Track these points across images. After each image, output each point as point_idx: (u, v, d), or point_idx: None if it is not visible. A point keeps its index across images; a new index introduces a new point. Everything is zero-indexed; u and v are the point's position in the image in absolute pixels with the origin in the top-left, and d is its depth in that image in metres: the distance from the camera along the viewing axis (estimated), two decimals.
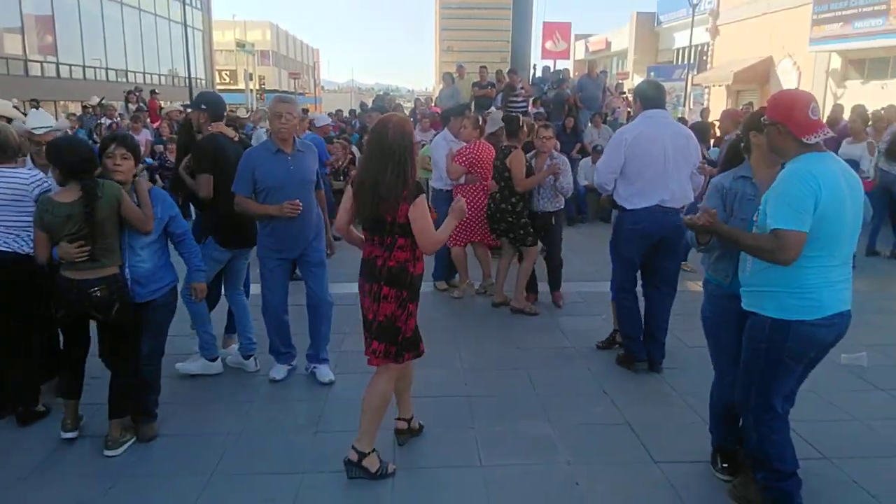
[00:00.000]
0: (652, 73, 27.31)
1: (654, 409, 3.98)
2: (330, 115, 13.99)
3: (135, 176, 3.52)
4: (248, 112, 17.97)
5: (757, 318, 2.73)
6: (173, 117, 12.87)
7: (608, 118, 13.15)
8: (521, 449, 3.49)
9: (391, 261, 3.05)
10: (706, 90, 26.21)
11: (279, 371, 4.38)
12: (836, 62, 19.55)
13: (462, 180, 5.99)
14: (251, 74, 42.97)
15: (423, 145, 8.24)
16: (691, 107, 24.55)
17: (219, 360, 4.48)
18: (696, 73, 26.59)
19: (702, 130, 7.61)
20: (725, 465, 3.21)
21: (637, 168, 4.27)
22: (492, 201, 5.87)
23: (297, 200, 3.96)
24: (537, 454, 3.44)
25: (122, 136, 3.58)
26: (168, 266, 3.62)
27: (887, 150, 7.78)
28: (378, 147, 3.00)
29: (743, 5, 23.86)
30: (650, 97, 4.37)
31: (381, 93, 29.71)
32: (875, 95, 15.49)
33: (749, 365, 2.79)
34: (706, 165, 4.32)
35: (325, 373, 4.35)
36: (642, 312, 4.61)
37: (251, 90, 41.06)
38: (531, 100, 13.50)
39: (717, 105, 24.40)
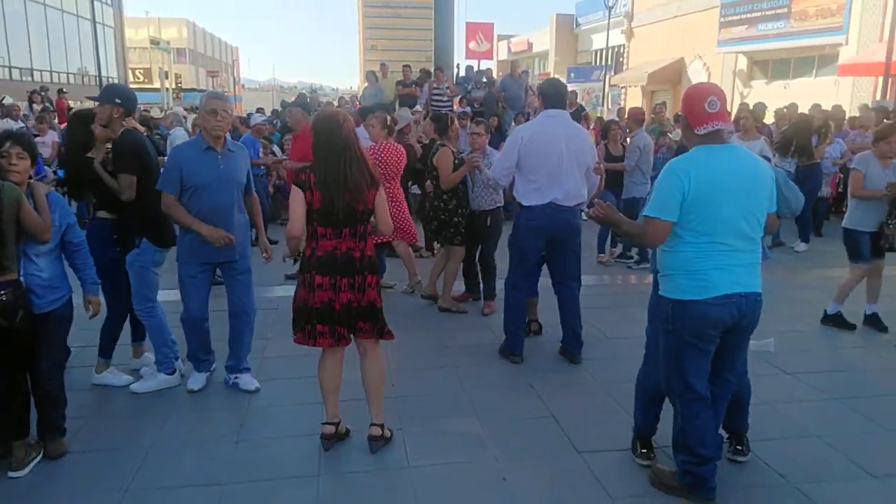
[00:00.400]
0: (572, 74, 28.03)
1: (578, 401, 4.06)
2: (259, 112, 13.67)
3: (30, 179, 3.31)
4: (162, 112, 17.28)
5: (663, 300, 2.90)
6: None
7: (531, 117, 13.36)
8: (449, 447, 3.48)
9: (368, 250, 3.23)
10: (623, 90, 27.09)
11: (198, 380, 4.20)
12: (743, 63, 20.58)
13: None
14: (167, 73, 41.37)
15: None
16: (609, 107, 25.40)
17: (177, 371, 4.27)
18: (613, 73, 27.47)
19: (603, 129, 7.89)
20: (644, 450, 3.32)
21: (533, 165, 4.37)
22: (426, 200, 5.88)
23: (233, 236, 3.88)
24: (465, 452, 3.44)
25: (17, 133, 3.37)
26: (64, 275, 3.42)
27: (779, 146, 8.16)
28: (334, 142, 3.12)
29: (655, 8, 24.78)
30: (550, 96, 4.45)
31: (306, 91, 29.21)
32: (778, 95, 16.38)
33: (663, 346, 2.95)
34: (601, 165, 4.46)
35: (248, 381, 4.21)
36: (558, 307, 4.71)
37: (167, 89, 39.56)
38: (456, 98, 13.59)
39: (634, 105, 25.30)
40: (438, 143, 5.83)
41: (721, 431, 3.27)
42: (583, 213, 3.16)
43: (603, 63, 27.37)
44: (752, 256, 2.83)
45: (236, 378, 4.22)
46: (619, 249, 7.92)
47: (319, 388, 3.44)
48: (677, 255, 2.82)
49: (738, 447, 3.37)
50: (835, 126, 10.35)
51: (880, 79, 12.80)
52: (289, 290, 6.52)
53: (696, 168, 2.73)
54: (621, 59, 28.29)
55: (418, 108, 12.16)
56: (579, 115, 13.38)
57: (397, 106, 13.34)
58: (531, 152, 4.35)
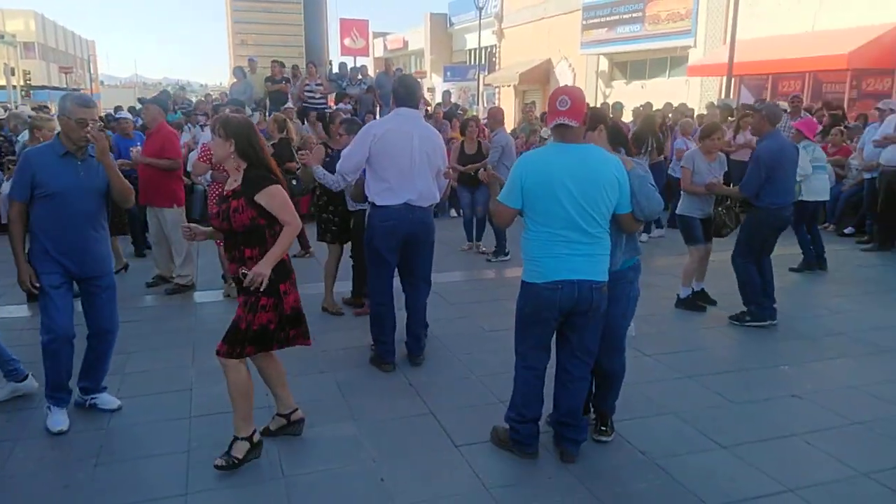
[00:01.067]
0: (448, 73, 28.52)
1: (457, 395, 4.13)
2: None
3: None
4: (5, 111, 15.69)
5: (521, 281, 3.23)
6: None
7: None
8: (326, 453, 3.43)
9: None
10: (497, 90, 27.86)
11: (60, 419, 3.67)
12: (604, 64, 21.78)
13: (208, 178, 5.69)
14: (13, 69, 37.63)
15: None
16: (485, 105, 26.04)
17: (29, 375, 3.99)
18: (487, 73, 28.17)
19: (461, 127, 8.10)
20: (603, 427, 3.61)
21: (386, 164, 4.24)
22: (313, 198, 5.87)
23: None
24: (342, 456, 3.40)
25: None
26: None
27: (634, 144, 8.69)
28: (252, 148, 3.11)
29: (523, 10, 25.64)
30: (401, 95, 4.36)
31: (172, 87, 27.65)
32: (637, 94, 17.45)
33: (516, 318, 3.29)
34: (451, 170, 4.48)
35: (108, 400, 3.91)
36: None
37: (14, 86, 35.99)
38: (331, 96, 13.37)
39: (507, 104, 26.09)
40: (321, 141, 5.83)
41: (591, 415, 3.55)
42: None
43: (477, 62, 27.98)
44: (591, 248, 3.09)
45: (94, 399, 3.90)
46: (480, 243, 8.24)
47: (239, 400, 3.24)
48: (527, 243, 3.16)
49: (603, 427, 3.57)
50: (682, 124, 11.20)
51: (724, 79, 13.97)
52: (153, 302, 6.28)
53: (536, 163, 3.07)
54: (494, 59, 29.05)
55: (289, 105, 11.86)
56: (454, 113, 13.61)
57: (268, 103, 12.95)
58: (383, 150, 4.22)
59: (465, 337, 5.12)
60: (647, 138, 8.24)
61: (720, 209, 5.66)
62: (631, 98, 14.93)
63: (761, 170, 5.19)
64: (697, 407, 4.00)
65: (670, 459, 3.39)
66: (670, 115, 11.34)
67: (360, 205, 5.64)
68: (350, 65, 15.79)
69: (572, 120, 3.00)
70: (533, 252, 3.12)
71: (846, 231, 9.03)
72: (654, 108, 12.05)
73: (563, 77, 23.64)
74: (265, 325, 3.14)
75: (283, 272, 3.18)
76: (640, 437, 3.59)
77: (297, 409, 3.57)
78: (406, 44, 38.22)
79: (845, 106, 13.13)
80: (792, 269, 7.16)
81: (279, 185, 3.12)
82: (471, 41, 29.24)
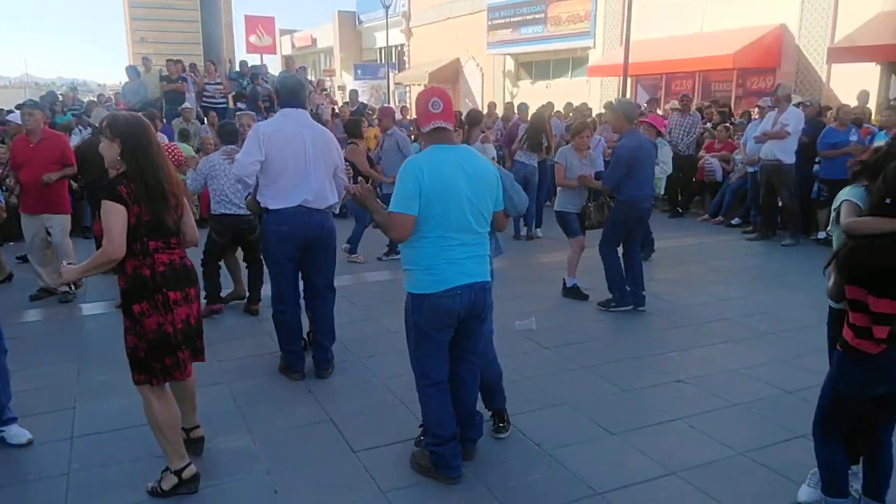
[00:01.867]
0: (359, 71, 28.27)
1: (358, 400, 4.09)
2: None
3: None
4: None
5: (407, 295, 3.08)
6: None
7: (312, 114, 13.18)
8: (216, 469, 3.31)
9: (187, 258, 3.06)
10: (408, 89, 27.87)
11: (21, 433, 3.54)
12: (510, 64, 22.21)
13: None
14: None
15: None
16: (396, 104, 26.00)
17: None
18: (397, 71, 28.14)
19: (352, 127, 8.11)
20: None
21: (278, 166, 4.07)
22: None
23: None
24: (234, 471, 3.30)
25: None
26: None
27: (528, 144, 8.80)
28: (151, 149, 2.88)
29: (430, 9, 25.78)
30: (283, 96, 4.25)
31: (67, 87, 26.00)
32: (542, 94, 17.86)
33: (407, 338, 3.14)
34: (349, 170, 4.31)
35: (18, 433, 3.55)
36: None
37: None
38: (231, 95, 12.97)
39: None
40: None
41: (484, 411, 3.53)
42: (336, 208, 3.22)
43: (386, 61, 27.88)
44: (479, 249, 3.06)
45: (1, 432, 3.55)
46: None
47: (160, 432, 2.99)
48: (416, 251, 3.00)
49: (501, 424, 3.63)
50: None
51: (621, 79, 14.54)
52: (38, 316, 5.89)
53: (429, 166, 2.93)
54: (404, 58, 29.05)
55: (187, 105, 11.41)
56: (362, 111, 13.50)
57: (164, 103, 12.42)
58: (275, 150, 4.06)
59: (369, 339, 5.09)
60: (540, 136, 8.45)
61: (590, 204, 5.99)
62: (537, 98, 15.24)
63: (621, 165, 5.51)
64: (591, 396, 4.14)
65: (563, 449, 3.49)
66: (571, 114, 11.70)
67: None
68: (248, 63, 15.33)
69: (448, 122, 3.01)
70: (426, 260, 2.97)
71: (733, 222, 9.58)
72: (554, 108, 12.40)
73: (472, 76, 23.94)
74: (132, 348, 2.92)
75: (138, 292, 2.85)
76: (535, 429, 3.68)
77: (197, 427, 3.42)
78: (314, 41, 37.58)
79: (732, 103, 13.96)
80: None
81: (114, 203, 2.74)
82: (381, 39, 29.09)
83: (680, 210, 10.54)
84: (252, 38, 26.64)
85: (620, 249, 5.85)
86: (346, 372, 4.54)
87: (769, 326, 5.40)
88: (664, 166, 7.18)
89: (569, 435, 3.65)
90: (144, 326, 2.86)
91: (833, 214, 2.73)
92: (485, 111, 14.39)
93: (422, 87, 26.49)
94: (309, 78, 16.40)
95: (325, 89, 18.66)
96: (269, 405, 4.03)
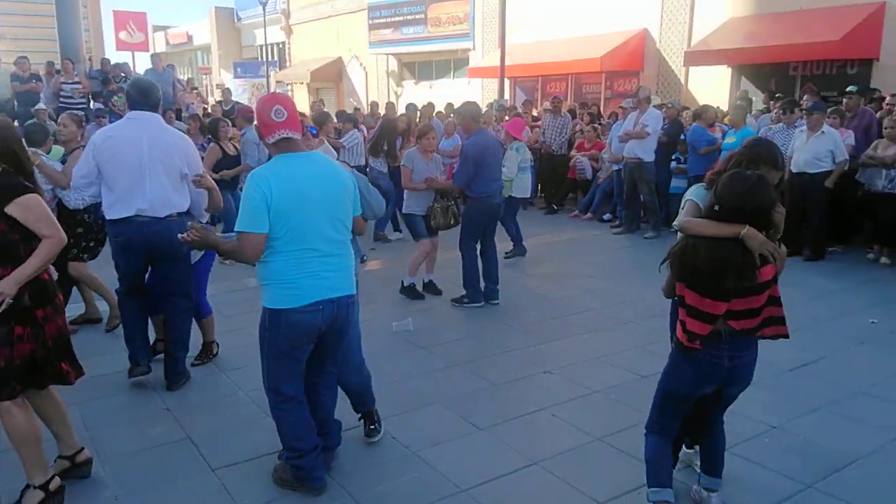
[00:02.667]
0: (238, 69, 27.25)
1: (219, 415, 3.92)
2: None
3: None
4: None
5: (263, 309, 2.93)
6: None
7: (183, 115, 12.61)
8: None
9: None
10: (290, 87, 27.19)
11: None
12: (394, 64, 22.19)
13: None
14: None
15: None
16: None
17: None
18: (278, 70, 27.39)
19: (210, 128, 7.86)
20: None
21: (113, 174, 3.91)
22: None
23: None
24: (78, 498, 3.06)
25: None
26: None
27: (370, 148, 8.73)
28: (13, 151, 2.79)
29: (309, 7, 25.28)
30: (133, 98, 4.06)
31: None
32: (426, 95, 17.97)
33: (261, 352, 2.99)
34: (201, 178, 3.96)
35: None
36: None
37: None
38: (90, 95, 12.13)
39: (302, 103, 25.59)
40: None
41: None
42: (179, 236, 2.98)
43: (267, 59, 27.07)
44: (341, 260, 2.95)
45: None
46: None
47: (22, 447, 2.86)
48: (270, 265, 2.84)
49: (372, 426, 3.58)
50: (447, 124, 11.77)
51: (499, 80, 14.90)
52: None
53: (276, 177, 2.76)
54: (285, 56, 28.33)
55: (41, 106, 10.55)
56: (234, 111, 13.00)
57: (15, 104, 11.43)
58: (108, 159, 3.87)
59: (236, 350, 4.89)
60: (382, 142, 8.46)
61: (436, 206, 6.07)
62: (422, 98, 15.33)
63: (470, 163, 5.68)
64: (462, 393, 4.19)
65: (432, 449, 3.51)
66: (452, 115, 11.80)
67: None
68: (111, 60, 14.41)
69: (294, 131, 2.85)
70: (284, 274, 2.82)
71: (604, 218, 10.07)
72: (436, 110, 12.51)
73: (355, 76, 23.73)
74: (28, 357, 2.75)
75: (43, 296, 2.79)
76: (405, 431, 3.67)
77: (82, 450, 3.20)
78: (190, 38, 35.91)
79: (601, 105, 14.66)
80: (507, 257, 7.62)
81: (36, 195, 2.74)
82: (261, 37, 28.19)
83: (555, 207, 10.95)
84: (122, 35, 25.09)
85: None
86: (209, 386, 4.35)
87: (631, 315, 5.70)
88: (510, 164, 7.39)
89: (438, 434, 3.67)
90: (46, 331, 2.80)
91: (681, 211, 2.85)
92: (367, 111, 14.33)
93: (304, 86, 26.04)
94: (179, 77, 15.60)
95: (196, 88, 17.82)
96: (121, 426, 3.78)
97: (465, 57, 19.19)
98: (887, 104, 8.29)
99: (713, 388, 2.74)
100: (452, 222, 6.08)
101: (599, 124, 11.16)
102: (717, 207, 2.53)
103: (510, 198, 7.48)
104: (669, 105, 10.16)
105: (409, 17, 20.16)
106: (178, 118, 11.45)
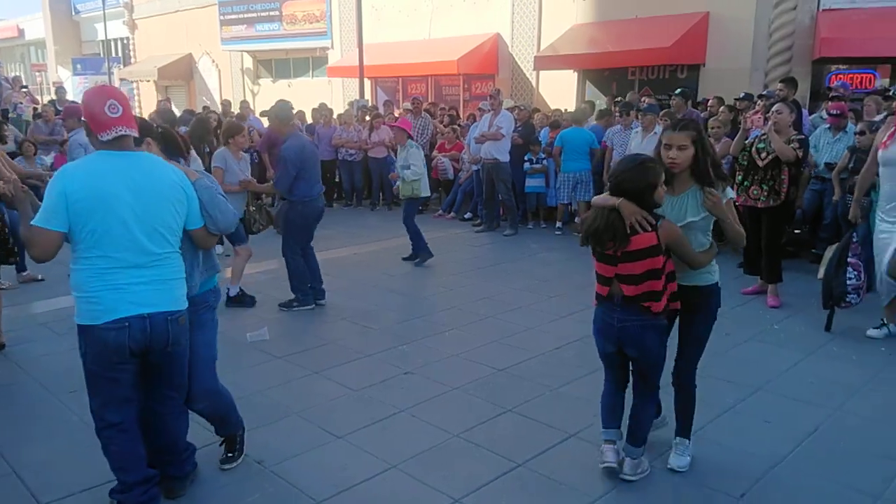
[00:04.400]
0: (79, 66, 25.17)
1: (50, 444, 3.58)
2: None
3: None
4: None
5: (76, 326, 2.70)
6: None
7: (10, 114, 11.46)
8: None
9: None
10: (136, 85, 25.44)
11: None
12: (249, 61, 21.37)
13: None
14: None
15: None
16: None
17: None
18: (122, 66, 25.56)
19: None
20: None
21: None
22: None
23: None
24: None
25: None
26: None
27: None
28: None
29: (156, 1, 23.80)
30: None
31: None
32: (284, 94, 17.47)
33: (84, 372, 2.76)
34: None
35: None
36: None
37: None
38: None
39: (149, 102, 24.03)
40: None
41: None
42: None
43: (107, 55, 25.13)
44: (159, 272, 2.71)
45: None
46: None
47: None
48: (75, 275, 2.65)
49: (229, 454, 3.34)
50: (325, 122, 11.60)
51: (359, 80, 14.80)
52: None
53: (84, 173, 2.59)
54: (129, 52, 26.45)
55: None
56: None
57: None
58: None
59: (72, 372, 4.48)
60: (199, 144, 8.16)
61: (251, 208, 6.00)
62: (279, 97, 14.86)
63: (290, 167, 5.59)
64: (320, 402, 4.11)
65: (287, 462, 3.41)
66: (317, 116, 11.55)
67: None
68: None
69: (130, 128, 2.65)
70: (87, 286, 2.59)
71: (466, 217, 10.30)
72: (295, 109, 12.17)
73: (207, 73, 22.64)
74: None
75: None
76: (259, 447, 3.53)
77: None
78: (22, 32, 32.76)
79: (460, 106, 15.00)
80: (405, 259, 7.64)
81: None
82: (102, 31, 26.13)
83: (420, 208, 11.04)
84: None
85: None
86: (40, 412, 3.96)
87: (489, 310, 5.87)
88: (415, 168, 7.30)
89: (294, 446, 3.57)
90: None
91: None
92: (219, 109, 13.67)
93: (151, 84, 24.44)
94: (5, 75, 14.12)
95: (25, 86, 16.19)
96: None
97: (324, 55, 18.87)
98: (710, 106, 9.15)
99: (615, 348, 3.12)
100: (268, 223, 6.04)
101: (459, 126, 11.40)
102: (609, 184, 3.07)
103: (412, 199, 7.46)
104: (522, 108, 10.59)
105: (262, 14, 19.50)
106: (5, 118, 10.37)
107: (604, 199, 3.01)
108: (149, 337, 2.67)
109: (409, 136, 7.51)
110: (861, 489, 3.13)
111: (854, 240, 5.18)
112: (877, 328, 5.09)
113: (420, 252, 7.50)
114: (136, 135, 2.73)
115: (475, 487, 3.19)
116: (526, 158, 9.39)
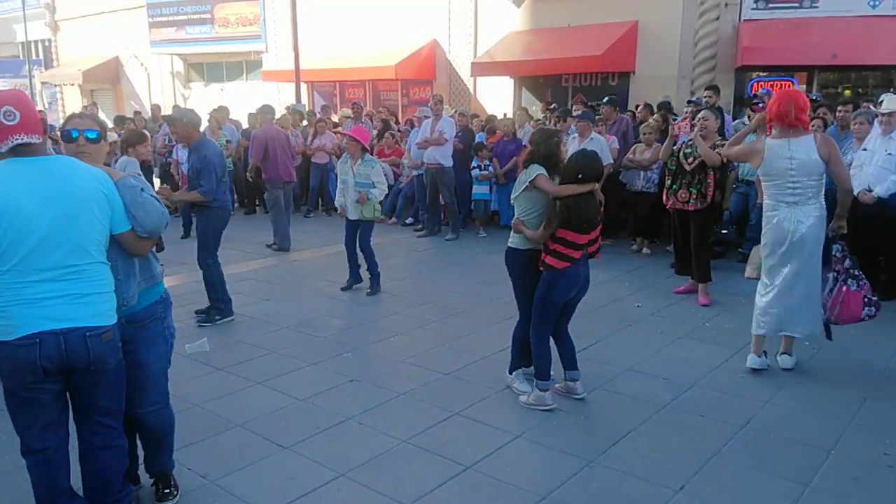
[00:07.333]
0: None
1: None
2: None
3: None
4: None
5: None
6: None
7: None
8: None
9: None
10: (59, 88, 24.33)
11: None
12: (179, 65, 20.76)
13: None
14: None
15: None
16: (46, 107, 22.52)
17: None
18: (44, 69, 24.40)
19: None
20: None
21: None
22: None
23: None
24: None
25: None
26: None
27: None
28: None
29: (79, 1, 22.83)
30: None
31: None
32: (217, 98, 17.06)
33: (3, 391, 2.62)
34: None
35: None
36: None
37: None
38: None
39: (74, 106, 22.99)
40: None
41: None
42: None
43: (29, 57, 23.95)
44: (79, 285, 2.52)
45: None
46: None
47: None
48: None
49: (166, 491, 3.08)
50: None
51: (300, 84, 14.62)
52: None
53: None
54: (52, 55, 25.27)
55: None
56: None
57: None
58: None
59: None
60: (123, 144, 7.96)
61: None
62: (212, 101, 14.48)
63: (214, 172, 5.51)
64: (265, 412, 4.04)
65: (232, 476, 3.34)
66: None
67: None
68: None
69: (33, 135, 2.45)
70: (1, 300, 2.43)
71: (407, 222, 10.30)
72: (229, 113, 11.94)
73: (135, 76, 21.87)
74: None
75: None
76: (201, 461, 3.46)
77: None
78: None
79: (399, 111, 15.00)
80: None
81: None
82: (21, 33, 24.88)
83: None
84: None
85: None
86: None
87: (433, 315, 5.90)
88: (381, 187, 6.48)
89: (239, 459, 3.50)
90: None
91: (526, 184, 3.99)
92: (149, 114, 13.27)
93: (76, 87, 23.42)
94: None
95: None
96: None
97: (258, 59, 18.52)
98: (638, 112, 9.47)
99: (575, 293, 4.05)
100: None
101: (398, 131, 11.39)
102: (580, 175, 3.86)
103: (371, 220, 6.63)
104: (463, 113, 10.68)
105: (193, 16, 18.97)
106: None
107: (581, 186, 3.84)
108: (64, 355, 2.48)
109: (365, 149, 6.52)
110: (791, 478, 3.31)
111: (835, 254, 4.52)
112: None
113: (376, 280, 6.73)
114: (39, 141, 2.52)
115: (425, 492, 3.20)
116: (474, 165, 9.40)
